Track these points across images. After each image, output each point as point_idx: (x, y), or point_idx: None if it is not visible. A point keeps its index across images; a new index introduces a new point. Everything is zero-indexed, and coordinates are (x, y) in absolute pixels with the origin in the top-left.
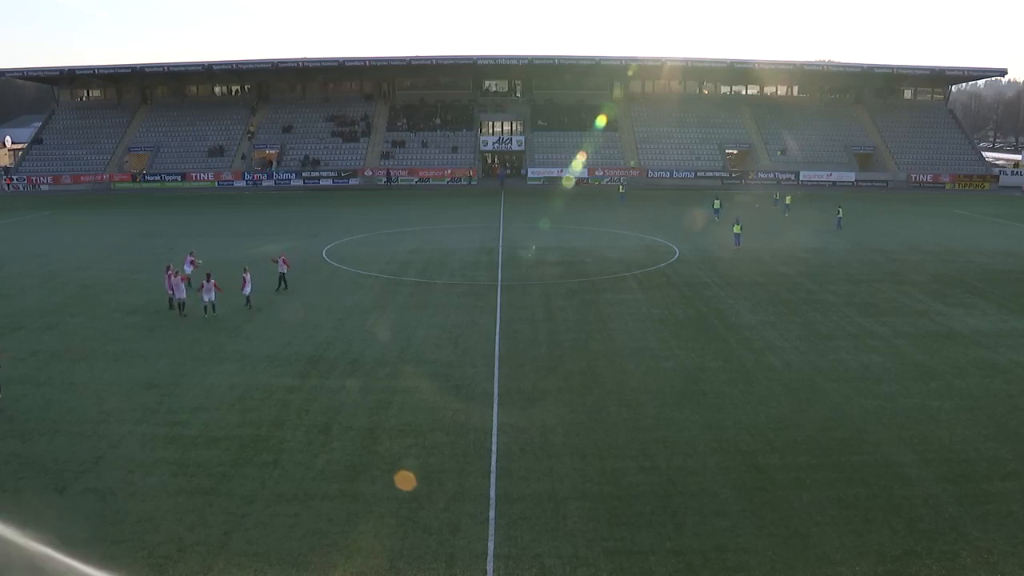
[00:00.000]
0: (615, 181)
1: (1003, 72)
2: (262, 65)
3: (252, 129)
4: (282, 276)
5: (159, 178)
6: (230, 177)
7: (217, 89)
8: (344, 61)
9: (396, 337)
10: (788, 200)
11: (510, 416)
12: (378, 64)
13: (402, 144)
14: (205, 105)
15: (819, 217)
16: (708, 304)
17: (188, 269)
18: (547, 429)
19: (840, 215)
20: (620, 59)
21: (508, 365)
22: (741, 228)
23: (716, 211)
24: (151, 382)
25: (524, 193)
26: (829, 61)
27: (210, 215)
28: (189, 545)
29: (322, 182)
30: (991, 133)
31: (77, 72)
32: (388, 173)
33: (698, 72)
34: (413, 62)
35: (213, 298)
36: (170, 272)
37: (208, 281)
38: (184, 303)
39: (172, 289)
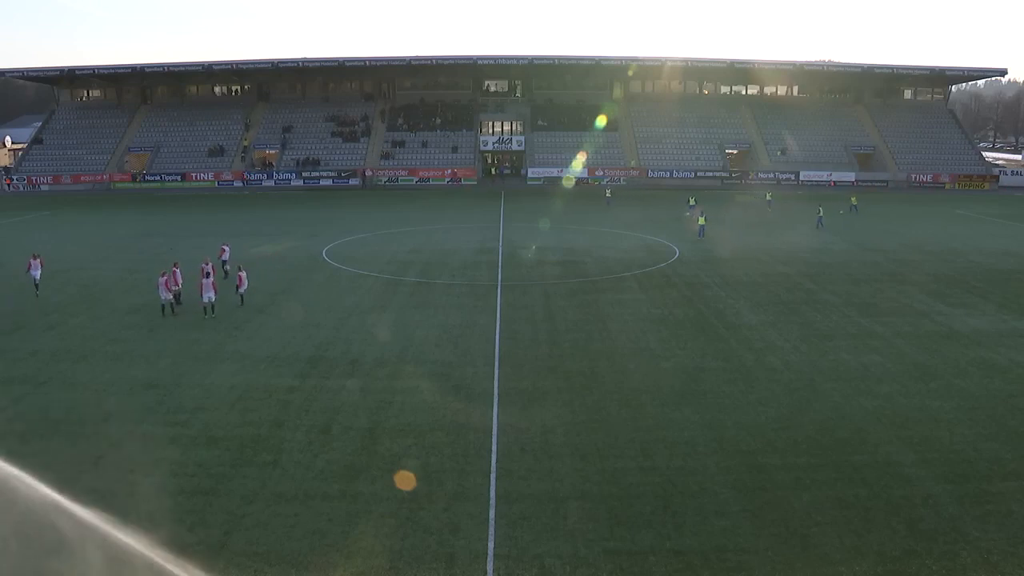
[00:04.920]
0: (604, 183)
1: (1003, 72)
2: (262, 65)
3: (246, 143)
4: (222, 264)
5: (159, 178)
6: (230, 177)
7: (217, 89)
8: (344, 61)
9: (396, 337)
10: (854, 200)
11: (510, 416)
12: (378, 64)
13: (402, 144)
14: (205, 105)
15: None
16: (708, 304)
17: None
18: (547, 429)
19: (821, 214)
20: (620, 59)
21: (508, 365)
22: (706, 220)
23: (691, 207)
24: (151, 382)
25: (524, 193)
26: (829, 61)
27: (210, 215)
28: (189, 545)
29: (322, 182)
30: (991, 133)
31: (77, 72)
32: (364, 173)
33: (698, 72)
34: (413, 62)
35: (213, 298)
36: (175, 270)
37: (207, 279)
38: (173, 305)
39: (199, 289)
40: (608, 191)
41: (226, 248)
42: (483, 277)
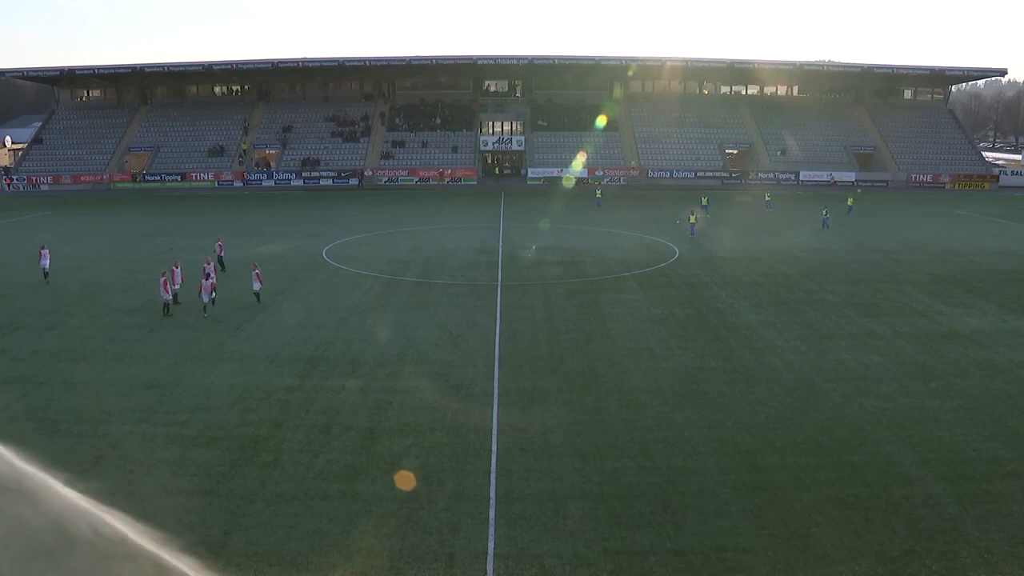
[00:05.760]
0: (602, 182)
1: (1003, 72)
2: (262, 65)
3: (244, 148)
4: (220, 259)
5: (159, 178)
6: (230, 177)
7: (217, 89)
8: (344, 61)
9: (396, 337)
10: (850, 201)
11: (510, 416)
12: (378, 64)
13: (402, 144)
14: (205, 105)
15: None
16: (708, 304)
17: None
18: (547, 429)
19: (826, 214)
20: (620, 59)
21: (508, 365)
22: (696, 219)
23: (704, 206)
24: (151, 382)
25: (524, 193)
26: (829, 61)
27: (210, 215)
28: (189, 545)
29: (322, 182)
30: (991, 133)
31: (77, 72)
32: (362, 173)
33: (698, 72)
34: (413, 62)
35: (212, 297)
36: (175, 269)
37: (207, 280)
38: (168, 305)
39: (200, 290)
40: (598, 191)
41: (221, 243)
42: (483, 277)
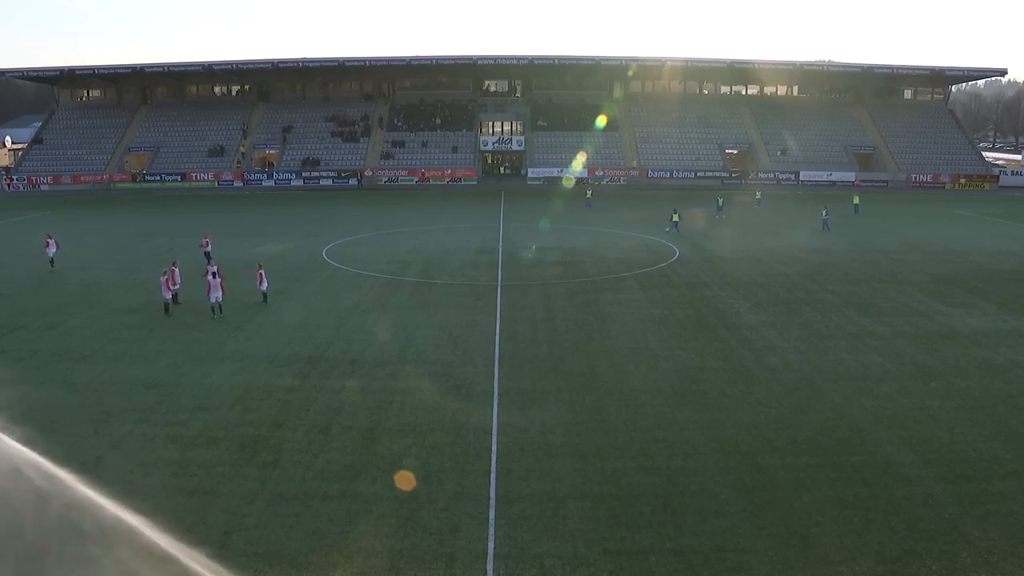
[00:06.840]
0: (602, 183)
1: (1003, 72)
2: (262, 65)
3: (243, 150)
4: (207, 255)
5: (159, 178)
6: (230, 177)
7: (217, 89)
8: (344, 61)
9: (396, 337)
10: (856, 200)
11: (510, 416)
12: (378, 64)
13: (402, 144)
14: (205, 105)
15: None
16: (708, 304)
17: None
18: (547, 429)
19: (826, 216)
20: (620, 59)
21: (508, 365)
22: (680, 217)
23: (720, 207)
24: (151, 382)
25: (524, 193)
26: (829, 61)
27: (210, 215)
28: (189, 545)
29: (322, 182)
30: (991, 133)
31: (77, 72)
32: (361, 173)
33: (698, 72)
34: (413, 62)
35: (220, 297)
36: (174, 268)
37: (215, 279)
38: (168, 304)
39: (208, 289)
40: (588, 192)
41: (208, 239)
42: (483, 277)
